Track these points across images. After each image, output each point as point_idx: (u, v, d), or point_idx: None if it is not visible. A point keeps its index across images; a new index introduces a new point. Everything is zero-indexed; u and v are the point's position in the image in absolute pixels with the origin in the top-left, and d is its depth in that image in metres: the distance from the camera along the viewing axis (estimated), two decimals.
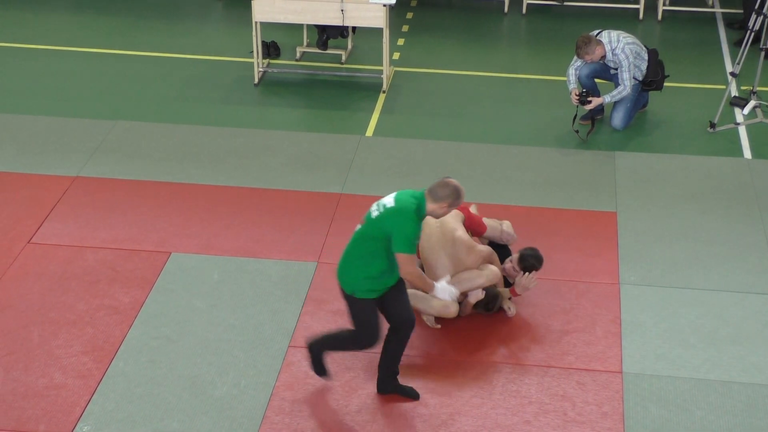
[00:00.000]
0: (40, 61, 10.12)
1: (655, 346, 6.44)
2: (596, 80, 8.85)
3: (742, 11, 10.78)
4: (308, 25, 10.16)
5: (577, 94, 8.57)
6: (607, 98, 8.63)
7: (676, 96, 9.52)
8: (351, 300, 5.73)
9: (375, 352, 6.36)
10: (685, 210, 7.81)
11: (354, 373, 6.21)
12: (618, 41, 8.52)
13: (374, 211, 5.66)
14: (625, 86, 8.56)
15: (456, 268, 6.39)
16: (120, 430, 5.80)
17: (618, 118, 8.81)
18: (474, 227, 6.67)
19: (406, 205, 5.57)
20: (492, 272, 6.44)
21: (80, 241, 7.36)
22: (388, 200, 5.65)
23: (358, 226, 5.76)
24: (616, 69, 8.64)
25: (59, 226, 7.52)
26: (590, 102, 8.57)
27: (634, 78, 8.65)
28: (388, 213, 5.57)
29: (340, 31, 9.91)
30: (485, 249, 6.54)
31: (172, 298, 6.82)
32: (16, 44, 10.44)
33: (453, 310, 6.36)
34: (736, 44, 10.23)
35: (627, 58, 8.49)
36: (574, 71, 8.72)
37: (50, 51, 10.32)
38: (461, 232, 6.47)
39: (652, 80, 8.73)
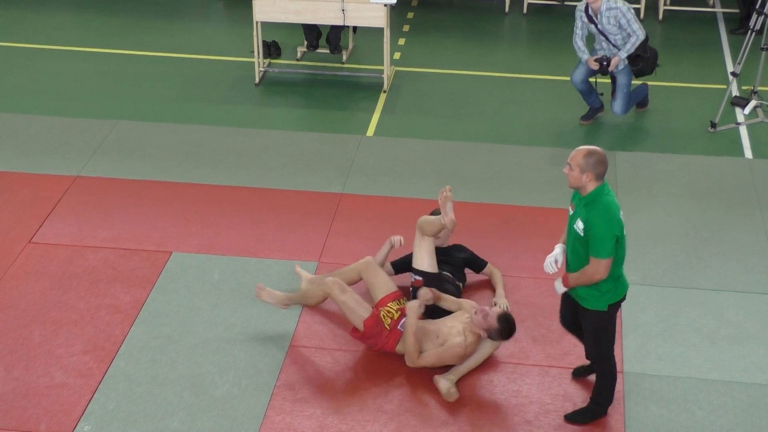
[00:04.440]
0: (41, 60, 10.12)
1: (655, 346, 6.44)
2: (594, 81, 8.86)
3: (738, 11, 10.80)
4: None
5: (596, 59, 8.53)
6: (623, 54, 8.51)
7: (677, 96, 9.52)
8: None
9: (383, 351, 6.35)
10: (685, 209, 7.81)
11: (355, 374, 6.21)
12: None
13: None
14: (636, 34, 8.44)
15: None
16: (121, 430, 5.80)
17: (618, 105, 8.77)
18: None
19: None
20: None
21: (81, 241, 7.36)
22: None
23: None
24: (614, 37, 8.53)
25: (60, 226, 7.52)
26: (609, 65, 8.50)
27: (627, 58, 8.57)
28: None
29: (316, 36, 9.91)
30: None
31: (173, 298, 6.82)
32: (18, 44, 10.44)
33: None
34: (731, 32, 10.39)
35: (625, 6, 8.41)
36: (580, 40, 8.64)
37: (51, 51, 10.32)
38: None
39: (639, 55, 8.62)
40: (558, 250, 5.64)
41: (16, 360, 6.27)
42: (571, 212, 5.52)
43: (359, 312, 6.23)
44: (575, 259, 5.50)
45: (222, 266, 7.11)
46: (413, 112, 9.29)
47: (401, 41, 10.56)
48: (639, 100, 9.06)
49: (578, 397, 6.04)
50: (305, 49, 10.10)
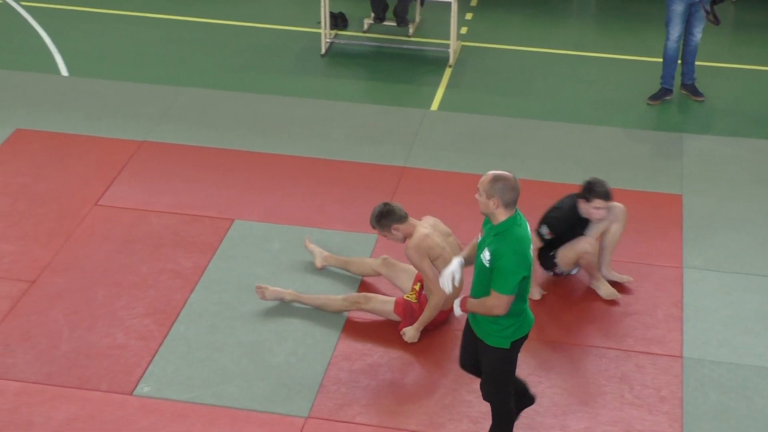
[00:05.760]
0: (110, 25, 10.23)
1: (717, 332, 6.35)
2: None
3: None
4: None
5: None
6: None
7: (748, 78, 9.34)
8: None
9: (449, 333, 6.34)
10: (752, 195, 7.68)
11: (412, 346, 6.22)
12: None
13: None
14: None
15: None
16: (179, 393, 5.89)
17: (699, 32, 8.61)
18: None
19: None
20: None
21: (145, 205, 7.46)
22: None
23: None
24: None
25: (126, 189, 7.63)
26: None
27: None
28: None
29: (383, 8, 9.88)
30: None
31: (234, 265, 6.88)
32: (87, 8, 10.55)
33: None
34: None
35: None
36: None
37: (121, 16, 10.43)
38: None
39: None
40: (455, 264, 5.10)
41: (80, 320, 6.39)
42: (480, 238, 5.03)
43: (388, 308, 6.34)
44: (480, 287, 5.00)
45: (283, 235, 7.16)
46: (478, 87, 9.23)
47: (468, 16, 10.48)
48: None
49: (636, 380, 5.99)
50: (372, 22, 10.08)
